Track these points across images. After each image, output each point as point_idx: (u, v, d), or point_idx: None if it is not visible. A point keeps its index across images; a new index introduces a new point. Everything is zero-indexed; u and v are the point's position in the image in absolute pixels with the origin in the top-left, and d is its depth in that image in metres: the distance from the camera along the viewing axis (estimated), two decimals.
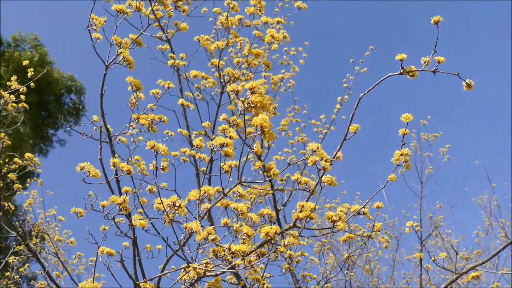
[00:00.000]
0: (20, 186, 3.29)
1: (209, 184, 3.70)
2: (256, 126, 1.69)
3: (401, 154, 1.85)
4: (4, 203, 2.68)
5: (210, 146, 1.95)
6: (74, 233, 5.98)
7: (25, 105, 3.30)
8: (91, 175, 1.93)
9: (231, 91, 1.69)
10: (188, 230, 1.50)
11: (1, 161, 4.54)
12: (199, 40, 3.18)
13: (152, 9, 2.14)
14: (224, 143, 1.81)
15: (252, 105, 1.65)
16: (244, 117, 1.66)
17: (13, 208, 2.83)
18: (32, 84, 3.18)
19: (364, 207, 1.96)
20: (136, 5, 2.15)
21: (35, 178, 5.61)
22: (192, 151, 3.01)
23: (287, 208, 5.50)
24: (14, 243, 3.40)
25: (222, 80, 3.41)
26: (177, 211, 1.64)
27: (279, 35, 2.95)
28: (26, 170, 3.20)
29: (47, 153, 12.60)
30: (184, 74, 3.74)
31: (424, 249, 5.55)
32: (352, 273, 5.16)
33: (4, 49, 11.29)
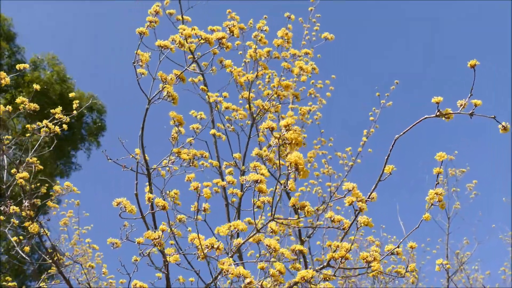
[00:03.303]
0: (57, 206, 3.38)
1: (239, 218, 3.70)
2: (290, 164, 1.71)
3: (436, 193, 1.84)
4: (41, 229, 2.73)
5: (243, 181, 1.97)
6: (106, 257, 5.99)
7: (59, 129, 3.39)
8: (127, 211, 1.97)
9: (266, 128, 1.72)
10: (224, 272, 1.51)
11: (33, 186, 4.61)
12: (232, 72, 3.24)
13: (189, 47, 2.20)
14: (258, 180, 1.83)
15: (287, 142, 1.67)
16: (278, 154, 1.68)
17: (47, 234, 2.88)
18: (74, 111, 3.50)
19: (398, 246, 1.95)
20: (180, 41, 2.19)
21: (72, 200, 5.60)
22: (223, 183, 3.02)
23: (312, 239, 5.45)
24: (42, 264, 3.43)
25: (252, 112, 3.45)
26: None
27: (308, 66, 2.99)
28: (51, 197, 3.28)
29: (68, 174, 12.73)
30: (215, 106, 3.79)
31: (451, 285, 5.45)
32: None
33: (25, 73, 11.54)
